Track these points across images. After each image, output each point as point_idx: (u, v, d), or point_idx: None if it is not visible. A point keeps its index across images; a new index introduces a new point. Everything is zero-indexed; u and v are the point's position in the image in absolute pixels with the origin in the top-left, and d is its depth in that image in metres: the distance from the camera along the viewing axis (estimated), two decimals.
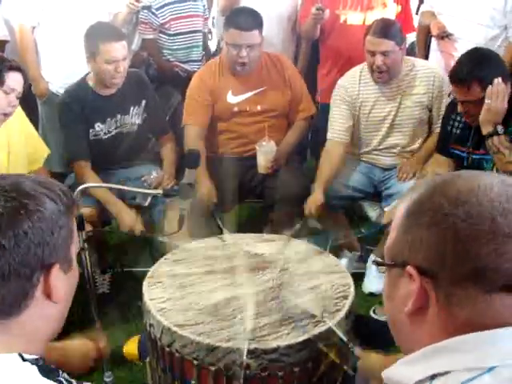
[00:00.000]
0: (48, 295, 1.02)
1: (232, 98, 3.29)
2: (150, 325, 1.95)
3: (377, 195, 3.36)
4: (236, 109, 3.30)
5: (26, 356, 0.99)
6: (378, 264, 0.94)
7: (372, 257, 3.40)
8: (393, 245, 0.92)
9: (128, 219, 2.93)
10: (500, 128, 2.59)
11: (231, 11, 3.40)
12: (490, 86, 2.56)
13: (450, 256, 0.83)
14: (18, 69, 2.48)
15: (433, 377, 0.83)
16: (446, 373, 0.82)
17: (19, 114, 2.70)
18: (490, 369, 0.80)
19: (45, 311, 1.03)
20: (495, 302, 0.82)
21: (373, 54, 3.02)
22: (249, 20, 3.16)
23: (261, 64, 3.32)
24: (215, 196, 3.16)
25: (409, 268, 0.86)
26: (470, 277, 0.82)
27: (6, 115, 2.51)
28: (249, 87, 3.30)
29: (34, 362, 0.99)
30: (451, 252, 0.82)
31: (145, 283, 2.09)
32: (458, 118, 2.88)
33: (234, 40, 3.15)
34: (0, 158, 2.59)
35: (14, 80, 2.46)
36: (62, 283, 1.04)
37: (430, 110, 3.16)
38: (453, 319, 0.84)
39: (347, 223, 3.47)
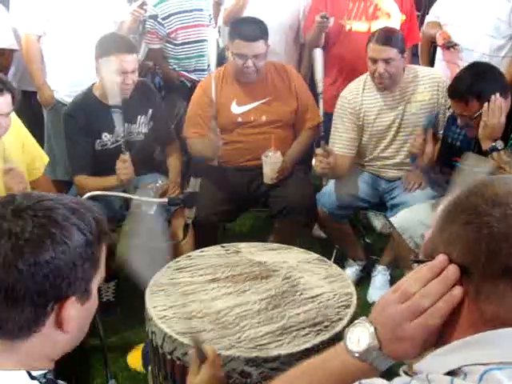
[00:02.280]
0: (59, 325, 1.02)
1: (236, 109, 3.28)
2: (152, 332, 1.96)
3: (382, 205, 3.35)
4: (240, 119, 3.28)
5: (34, 373, 1.00)
6: (415, 261, 0.96)
7: (377, 266, 3.40)
8: (429, 242, 0.95)
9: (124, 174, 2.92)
10: (499, 144, 2.57)
11: (236, 21, 3.39)
12: (487, 102, 2.56)
13: (483, 253, 0.85)
14: (5, 90, 2.41)
15: (460, 368, 0.84)
16: (475, 365, 0.83)
17: (15, 124, 2.66)
18: None
19: (53, 338, 1.03)
20: None
21: (375, 61, 3.02)
22: (254, 30, 3.16)
23: (266, 74, 3.31)
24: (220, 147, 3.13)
25: None
26: (500, 274, 0.85)
27: None
28: (254, 97, 3.29)
29: (43, 378, 1.00)
30: (485, 250, 0.85)
31: (147, 291, 2.09)
32: (459, 131, 2.87)
33: (239, 50, 3.15)
34: None
35: None
36: (77, 314, 1.03)
37: (436, 117, 3.17)
38: (481, 314, 0.87)
39: (352, 233, 3.47)
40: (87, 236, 1.02)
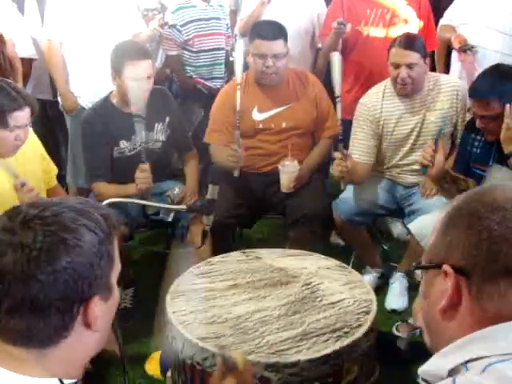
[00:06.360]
0: (88, 325, 1.02)
1: (257, 115, 3.29)
2: (172, 337, 1.96)
3: (399, 212, 3.34)
4: (261, 126, 3.29)
5: (66, 382, 0.99)
6: (417, 268, 0.99)
7: (395, 273, 3.38)
8: (432, 247, 0.99)
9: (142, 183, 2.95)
10: None
11: (255, 23, 3.41)
12: (509, 104, 2.53)
13: (483, 255, 0.90)
14: (25, 104, 2.47)
15: (466, 362, 0.87)
16: (479, 358, 0.87)
17: (30, 138, 2.68)
18: None
19: (83, 340, 1.03)
20: None
21: (397, 66, 2.99)
22: (273, 30, 3.20)
23: (288, 80, 3.33)
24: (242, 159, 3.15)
25: (445, 266, 0.93)
26: (501, 273, 0.89)
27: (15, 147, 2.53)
28: (275, 104, 3.30)
29: None
30: (485, 252, 0.90)
31: (168, 296, 2.10)
32: (478, 138, 2.84)
33: (259, 50, 3.17)
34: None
35: (19, 118, 2.46)
36: (103, 312, 1.03)
37: (455, 125, 3.15)
38: (484, 313, 0.90)
39: (370, 240, 3.45)
40: (98, 234, 1.02)
